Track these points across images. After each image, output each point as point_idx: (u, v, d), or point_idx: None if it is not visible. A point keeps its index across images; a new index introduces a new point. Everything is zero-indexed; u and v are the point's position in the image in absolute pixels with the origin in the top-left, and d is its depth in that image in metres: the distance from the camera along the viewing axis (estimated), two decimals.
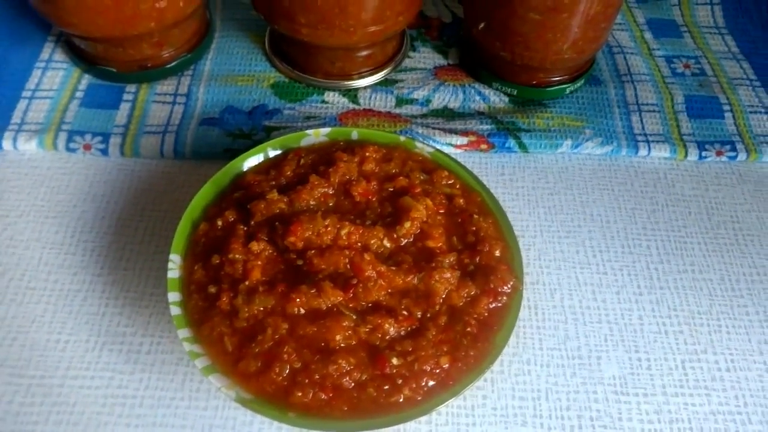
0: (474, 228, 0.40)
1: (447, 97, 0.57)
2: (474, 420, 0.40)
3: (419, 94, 0.57)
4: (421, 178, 0.43)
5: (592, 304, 0.45)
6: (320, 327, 0.35)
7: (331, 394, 0.34)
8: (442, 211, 0.41)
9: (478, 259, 0.39)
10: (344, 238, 0.38)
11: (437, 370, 0.35)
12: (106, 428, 0.39)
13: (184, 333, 0.36)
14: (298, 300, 0.35)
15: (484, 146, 0.52)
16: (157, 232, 0.48)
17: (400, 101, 0.56)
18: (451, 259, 0.39)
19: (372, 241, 0.38)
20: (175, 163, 0.52)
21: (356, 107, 0.55)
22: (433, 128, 0.53)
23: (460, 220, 0.41)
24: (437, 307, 0.37)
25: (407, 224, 0.39)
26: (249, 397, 0.34)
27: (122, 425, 0.39)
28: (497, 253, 0.39)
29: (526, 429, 0.40)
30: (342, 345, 0.35)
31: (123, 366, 0.41)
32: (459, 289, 0.37)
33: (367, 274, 0.37)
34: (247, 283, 0.36)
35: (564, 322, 0.44)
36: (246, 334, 0.35)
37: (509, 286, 0.38)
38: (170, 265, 0.38)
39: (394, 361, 0.34)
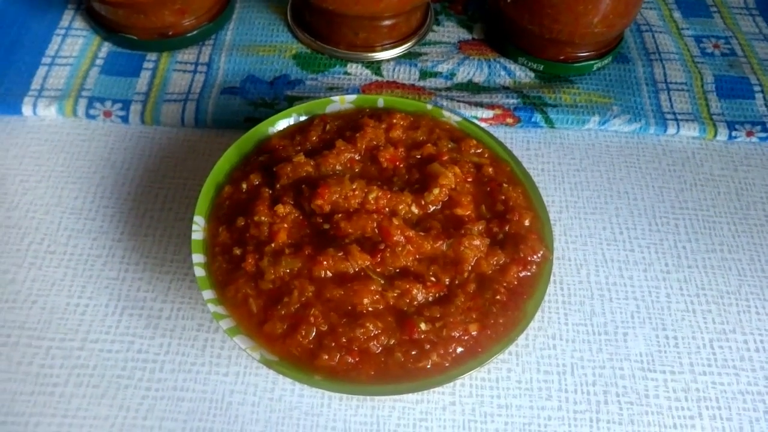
0: (503, 197, 0.39)
1: (472, 71, 0.56)
2: (498, 392, 0.39)
3: (443, 68, 0.56)
4: (449, 146, 0.42)
5: (618, 281, 0.44)
6: (347, 290, 0.34)
7: (357, 358, 0.33)
8: (470, 180, 0.40)
9: (507, 227, 0.38)
10: (372, 202, 0.37)
11: (466, 337, 0.34)
12: (126, 391, 0.38)
13: (208, 294, 0.35)
14: (325, 263, 0.35)
15: (509, 120, 0.52)
16: (177, 199, 0.47)
17: (424, 74, 0.55)
18: (480, 227, 0.38)
19: (400, 207, 0.38)
20: (196, 131, 0.51)
21: (379, 79, 0.55)
22: (458, 101, 0.52)
23: (488, 189, 0.40)
24: (466, 275, 0.36)
25: (436, 191, 0.38)
26: (274, 359, 0.33)
27: (142, 389, 0.38)
28: (527, 223, 0.39)
29: (551, 403, 0.39)
30: (369, 309, 0.34)
31: (143, 331, 0.41)
32: (488, 257, 0.37)
33: (395, 238, 0.36)
34: (273, 245, 0.36)
35: (590, 297, 0.43)
36: (272, 296, 0.35)
37: (539, 255, 0.37)
38: (194, 227, 0.38)
39: (423, 326, 0.34)
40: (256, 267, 0.35)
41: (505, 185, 0.40)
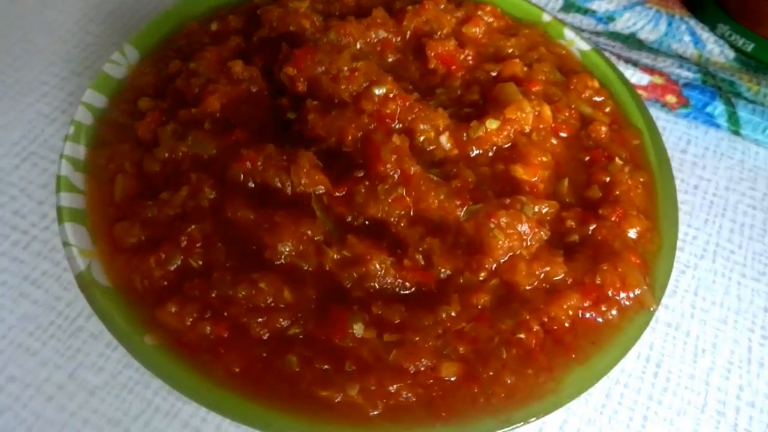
0: (607, 178, 0.22)
1: (641, 22, 0.38)
2: None
3: (601, 6, 0.39)
4: (552, 77, 0.25)
5: (760, 402, 0.25)
6: (263, 218, 0.19)
7: (226, 334, 0.18)
8: (564, 135, 0.23)
9: (592, 228, 0.21)
10: (375, 99, 0.21)
11: (430, 381, 0.18)
12: None
13: (72, 149, 0.22)
14: (248, 163, 0.20)
15: (671, 98, 0.33)
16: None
17: (570, 6, 0.39)
18: (545, 209, 0.21)
19: (422, 126, 0.22)
20: None
21: None
22: (603, 49, 0.34)
23: (587, 159, 0.23)
24: (482, 275, 0.20)
25: (492, 124, 0.22)
26: (101, 284, 0.19)
27: None
28: (631, 233, 0.21)
29: None
30: (283, 261, 0.19)
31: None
32: (534, 261, 0.20)
33: (384, 168, 0.20)
34: (194, 111, 0.22)
35: (700, 409, 0.25)
36: (150, 183, 0.21)
37: (632, 294, 0.20)
38: (115, 56, 0.25)
39: (358, 328, 0.18)
40: (153, 133, 0.21)
41: (618, 161, 0.23)
